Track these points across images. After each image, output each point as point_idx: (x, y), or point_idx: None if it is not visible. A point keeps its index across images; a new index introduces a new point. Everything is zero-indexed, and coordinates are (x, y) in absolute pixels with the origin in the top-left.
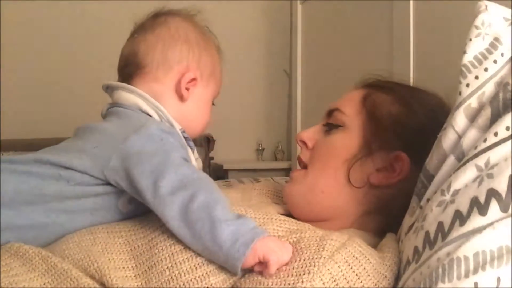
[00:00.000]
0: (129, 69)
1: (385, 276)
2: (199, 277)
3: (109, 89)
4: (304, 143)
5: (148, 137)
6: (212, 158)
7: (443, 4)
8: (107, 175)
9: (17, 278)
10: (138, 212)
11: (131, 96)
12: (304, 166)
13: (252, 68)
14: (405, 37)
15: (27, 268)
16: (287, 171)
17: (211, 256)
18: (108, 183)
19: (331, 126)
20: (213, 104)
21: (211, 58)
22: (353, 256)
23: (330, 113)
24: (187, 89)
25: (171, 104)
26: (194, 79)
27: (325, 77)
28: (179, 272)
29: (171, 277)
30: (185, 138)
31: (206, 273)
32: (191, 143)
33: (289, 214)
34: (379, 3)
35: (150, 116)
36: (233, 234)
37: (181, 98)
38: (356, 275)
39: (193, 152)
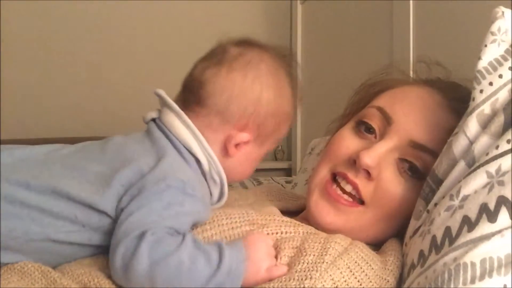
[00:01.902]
0: (189, 97)
1: (387, 281)
2: None
3: (161, 101)
4: (369, 173)
5: (159, 195)
6: None
7: (443, 4)
8: (117, 214)
9: None
10: None
11: (187, 132)
12: (359, 197)
13: None
14: (405, 37)
15: (26, 282)
16: (287, 171)
17: None
18: None
19: (416, 171)
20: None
21: (277, 119)
22: (355, 262)
23: (415, 145)
24: (237, 145)
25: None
26: (247, 141)
27: (325, 77)
28: None
29: None
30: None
31: None
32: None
33: (286, 211)
34: (379, 3)
35: (199, 159)
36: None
37: (227, 154)
38: (358, 281)
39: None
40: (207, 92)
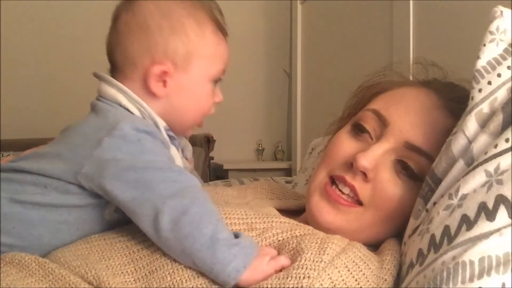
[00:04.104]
0: (111, 69)
1: (385, 280)
2: (201, 284)
3: (98, 79)
4: (366, 175)
5: (123, 139)
6: (212, 158)
7: (443, 4)
8: (81, 181)
9: (15, 283)
10: (126, 217)
11: (112, 90)
12: (357, 199)
13: (252, 68)
14: (405, 37)
15: (24, 274)
16: (287, 171)
17: (200, 270)
18: (87, 192)
19: (411, 173)
20: (218, 81)
21: (184, 38)
22: (353, 262)
23: (410, 147)
24: (164, 82)
25: (150, 103)
26: (164, 71)
27: (325, 77)
28: (180, 279)
29: (173, 283)
30: (170, 136)
31: (209, 281)
32: (176, 142)
33: (285, 210)
34: (379, 3)
35: (131, 112)
36: (224, 257)
37: (155, 95)
38: (356, 280)
39: (178, 151)
40: (111, 52)
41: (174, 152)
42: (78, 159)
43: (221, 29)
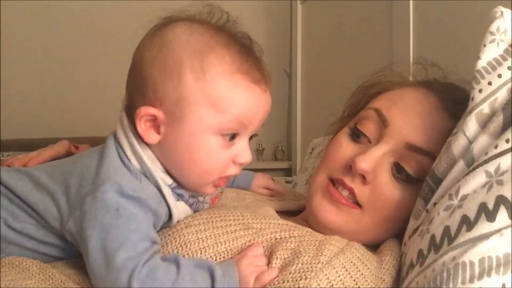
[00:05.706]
0: None
1: (384, 280)
2: None
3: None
4: (364, 177)
5: (102, 205)
6: None
7: (443, 4)
8: (65, 233)
9: (14, 283)
10: None
11: (122, 135)
12: (355, 201)
13: None
14: (405, 37)
15: (23, 276)
16: (287, 171)
17: None
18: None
19: (409, 177)
20: (236, 135)
21: (175, 79)
22: (351, 262)
23: (411, 148)
24: (157, 127)
25: (152, 150)
26: (152, 115)
27: (325, 77)
28: None
29: None
30: (178, 194)
31: None
32: (185, 199)
33: (284, 211)
34: (379, 3)
35: (132, 163)
36: None
37: (145, 141)
38: (354, 280)
39: (186, 205)
40: None
41: (182, 208)
42: (66, 211)
43: (249, 73)
